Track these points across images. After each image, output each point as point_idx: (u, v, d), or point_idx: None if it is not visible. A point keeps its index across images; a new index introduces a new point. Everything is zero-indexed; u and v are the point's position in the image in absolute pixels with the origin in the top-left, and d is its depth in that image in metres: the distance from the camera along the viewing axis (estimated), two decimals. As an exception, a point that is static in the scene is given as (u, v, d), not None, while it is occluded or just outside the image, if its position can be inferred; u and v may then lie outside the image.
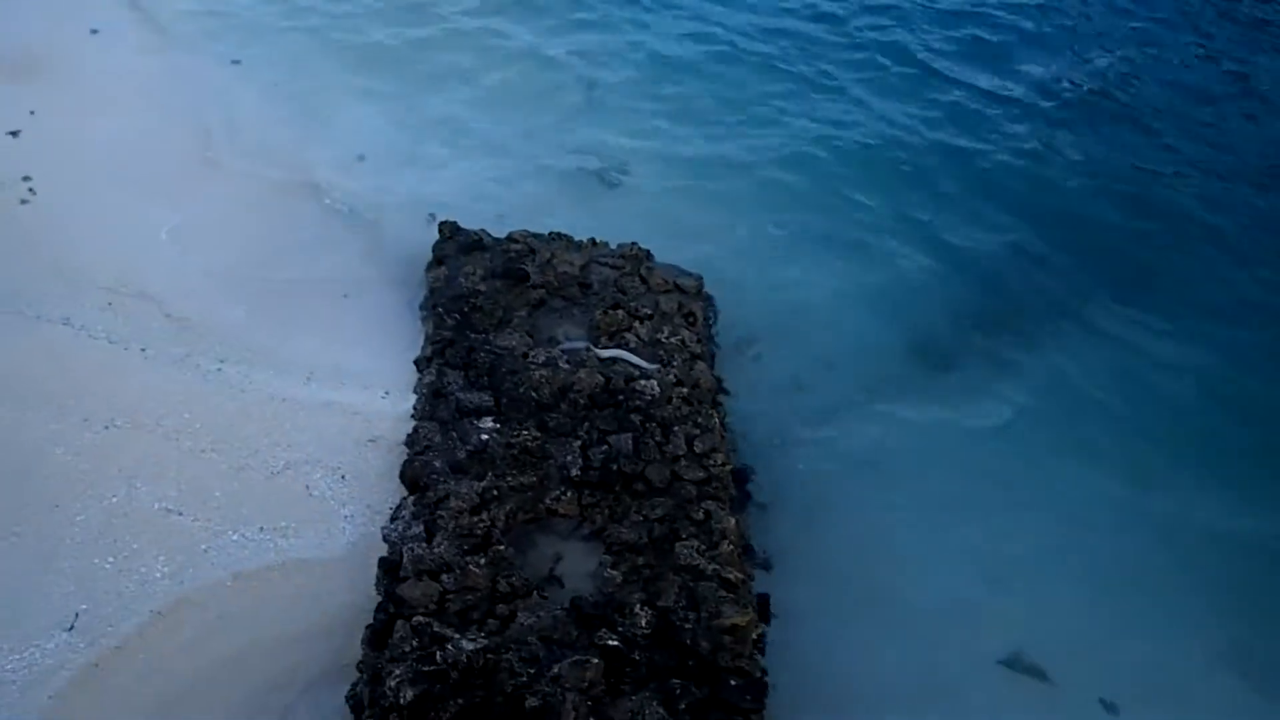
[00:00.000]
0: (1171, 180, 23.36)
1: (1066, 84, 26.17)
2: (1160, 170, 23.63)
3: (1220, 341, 19.43)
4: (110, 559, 12.23)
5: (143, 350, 14.92)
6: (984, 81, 26.02)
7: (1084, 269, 20.71)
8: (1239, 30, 29.04)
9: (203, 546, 12.65)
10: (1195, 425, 17.92)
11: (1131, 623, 14.89)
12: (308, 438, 14.31)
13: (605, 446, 14.31)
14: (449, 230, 17.50)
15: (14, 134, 17.99)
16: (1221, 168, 23.76)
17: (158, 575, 12.23)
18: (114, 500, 12.86)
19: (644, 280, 17.18)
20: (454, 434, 14.25)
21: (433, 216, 18.31)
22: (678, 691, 11.82)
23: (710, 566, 13.12)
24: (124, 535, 12.52)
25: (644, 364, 15.50)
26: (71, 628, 11.48)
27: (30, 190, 16.94)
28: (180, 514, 12.92)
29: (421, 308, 16.78)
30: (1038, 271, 20.65)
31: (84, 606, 11.70)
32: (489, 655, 11.64)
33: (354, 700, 11.61)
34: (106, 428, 13.66)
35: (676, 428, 14.75)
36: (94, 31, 21.25)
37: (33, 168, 17.42)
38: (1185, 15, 29.52)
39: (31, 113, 18.60)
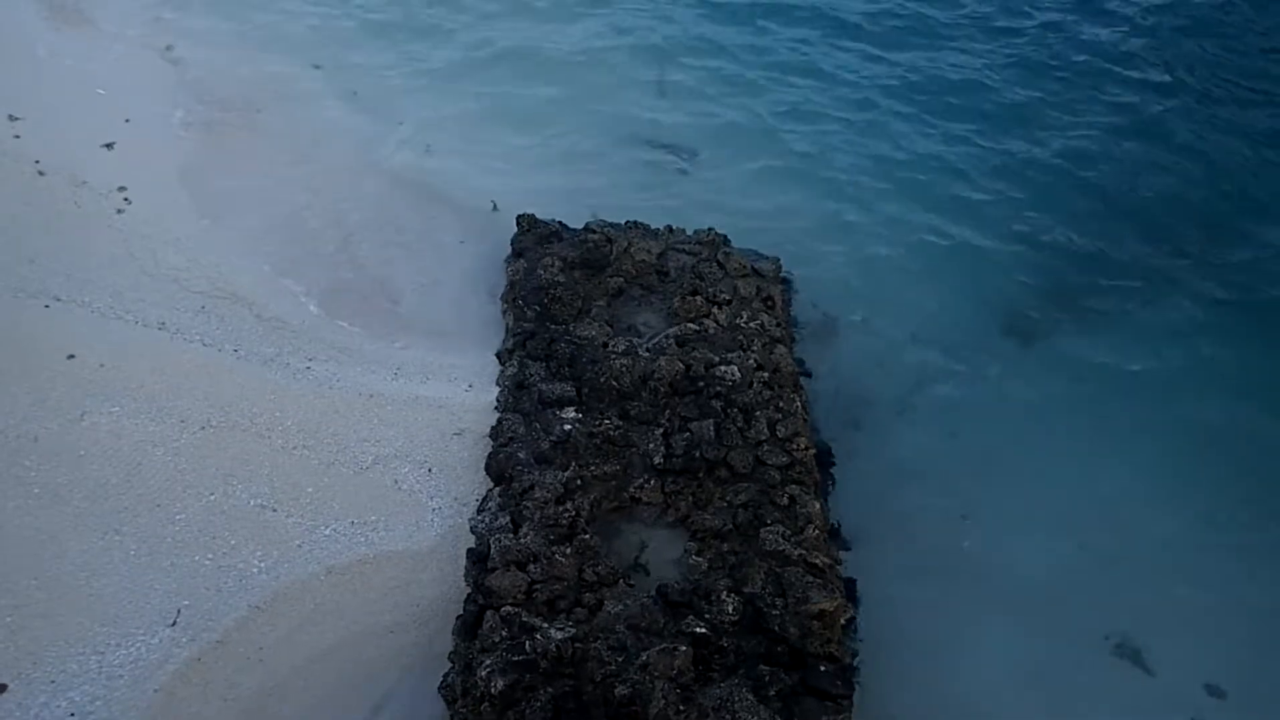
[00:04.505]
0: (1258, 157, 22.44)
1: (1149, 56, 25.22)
2: (1246, 148, 22.70)
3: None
4: (209, 555, 12.62)
5: (235, 351, 15.32)
6: (1060, 52, 25.24)
7: (1168, 240, 20.01)
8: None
9: (297, 542, 12.97)
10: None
11: (1239, 604, 14.42)
12: (395, 432, 14.58)
13: (687, 433, 14.29)
14: (527, 223, 17.61)
15: (109, 146, 18.56)
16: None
17: (255, 570, 12.59)
18: (212, 498, 13.26)
19: (721, 265, 17.08)
20: (537, 425, 14.36)
21: (495, 206, 18.53)
22: (767, 678, 11.77)
23: (796, 551, 13.02)
24: (222, 532, 12.90)
25: None
26: (174, 623, 11.87)
27: (126, 199, 17.47)
28: (274, 510, 13.26)
29: (502, 300, 16.93)
30: (1121, 240, 20.02)
31: (186, 602, 12.09)
32: (577, 644, 11.73)
33: (447, 690, 11.81)
34: (203, 428, 14.07)
35: (758, 412, 14.65)
36: (168, 48, 21.79)
37: (128, 177, 17.96)
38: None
39: (127, 120, 19.17)
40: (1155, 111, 23.15)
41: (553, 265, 16.60)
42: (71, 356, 14.55)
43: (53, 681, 11.19)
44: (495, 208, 18.62)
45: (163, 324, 15.46)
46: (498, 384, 15.39)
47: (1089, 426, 16.60)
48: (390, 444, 14.38)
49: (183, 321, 15.59)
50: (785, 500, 13.68)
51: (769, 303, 16.68)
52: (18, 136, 18.09)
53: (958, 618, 13.95)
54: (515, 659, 11.53)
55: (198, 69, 21.35)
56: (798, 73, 23.69)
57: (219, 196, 18.19)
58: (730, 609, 12.32)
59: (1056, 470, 15.93)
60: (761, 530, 13.26)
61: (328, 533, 13.16)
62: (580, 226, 17.64)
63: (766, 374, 15.28)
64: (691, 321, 15.96)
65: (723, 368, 15.14)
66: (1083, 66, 24.65)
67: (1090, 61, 24.77)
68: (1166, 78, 24.07)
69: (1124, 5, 25.95)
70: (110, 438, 13.64)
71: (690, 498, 13.69)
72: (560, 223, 17.68)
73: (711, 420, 14.42)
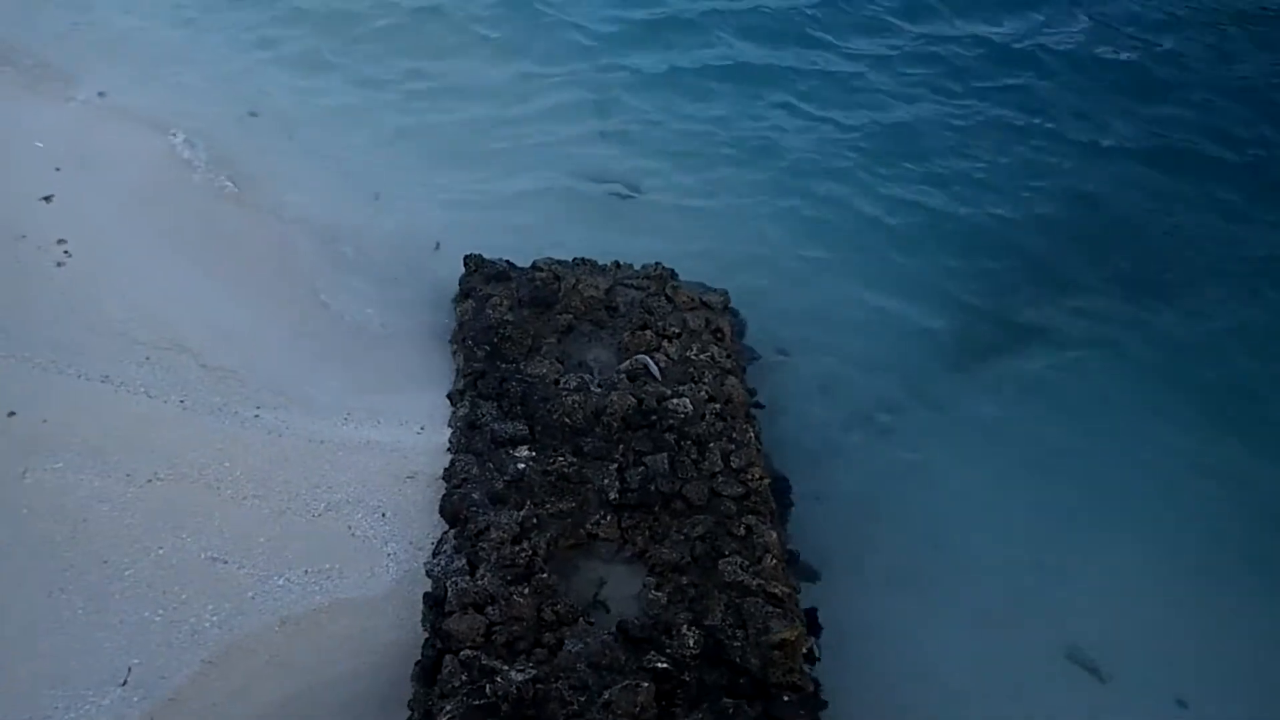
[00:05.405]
0: (1198, 158, 23.04)
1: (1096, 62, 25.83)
2: (1185, 145, 23.32)
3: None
4: (160, 611, 12.35)
5: (181, 402, 15.09)
6: (1005, 70, 25.75)
7: (1112, 268, 20.38)
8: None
9: (249, 593, 12.75)
10: (1254, 412, 17.65)
11: (1199, 615, 14.67)
12: (347, 478, 14.41)
13: (642, 468, 14.30)
14: (474, 263, 17.60)
15: (47, 199, 18.30)
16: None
17: (207, 624, 12.34)
18: (161, 552, 12.99)
19: (670, 299, 17.17)
20: (491, 465, 14.30)
21: (438, 246, 18.57)
22: (730, 711, 11.75)
23: (755, 582, 13.04)
24: (172, 586, 12.64)
25: None
26: (125, 682, 11.59)
27: (66, 252, 17.21)
28: (226, 562, 13.04)
29: (451, 341, 16.88)
30: (1066, 267, 20.37)
31: (136, 660, 11.82)
32: (538, 685, 11.64)
33: (407, 738, 11.67)
34: (150, 481, 13.81)
35: (712, 444, 14.71)
36: (101, 95, 21.58)
37: (67, 230, 17.68)
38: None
39: (57, 169, 18.88)
40: (1091, 148, 23.58)
41: (501, 304, 16.59)
42: (12, 414, 14.25)
43: (-2, 748, 10.91)
44: (438, 247, 18.62)
45: (106, 377, 15.19)
46: (450, 425, 15.31)
47: (1040, 448, 16.84)
48: (343, 490, 14.21)
49: (127, 374, 15.32)
50: (742, 531, 13.71)
51: (718, 334, 16.79)
52: (-49, 192, 17.80)
53: (920, 641, 14.03)
54: (476, 703, 11.41)
55: (133, 115, 21.11)
56: (741, 110, 23.84)
57: (161, 246, 17.97)
58: (691, 642, 12.30)
59: (1010, 491, 16.14)
60: (719, 561, 13.27)
61: (281, 582, 12.95)
62: (528, 265, 17.66)
63: (719, 405, 15.36)
64: (644, 353, 16.01)
65: (675, 401, 15.19)
66: (1041, 97, 25.09)
67: (1045, 95, 25.24)
68: (1106, 123, 24.55)
69: (1055, 61, 26.45)
70: (54, 494, 13.34)
71: (647, 532, 13.68)
72: (508, 262, 17.68)
73: (665, 453, 14.45)
